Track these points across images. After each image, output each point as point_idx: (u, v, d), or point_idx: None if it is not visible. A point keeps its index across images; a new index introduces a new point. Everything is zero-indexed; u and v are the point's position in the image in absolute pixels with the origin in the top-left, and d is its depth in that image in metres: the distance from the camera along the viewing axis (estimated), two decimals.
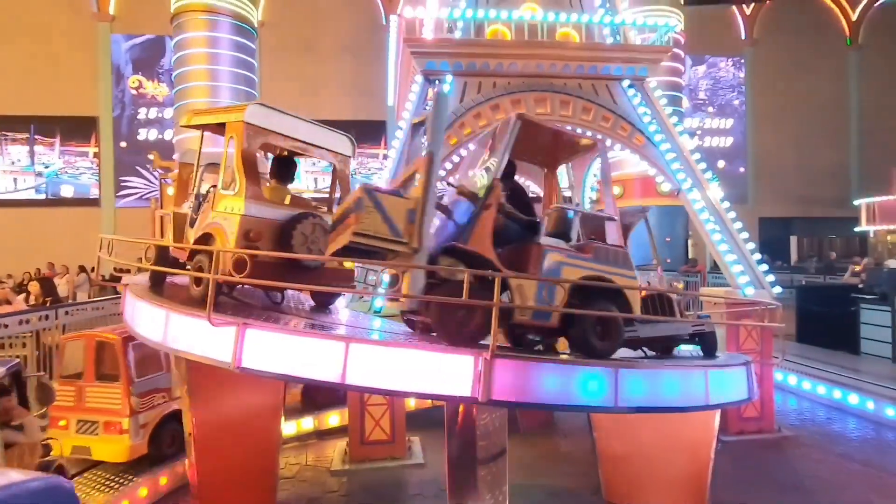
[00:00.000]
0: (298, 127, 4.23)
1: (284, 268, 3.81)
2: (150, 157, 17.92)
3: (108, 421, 5.73)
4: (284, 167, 4.47)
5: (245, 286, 4.04)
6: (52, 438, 5.27)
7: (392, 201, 3.30)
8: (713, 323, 4.58)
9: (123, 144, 23.12)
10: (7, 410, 4.38)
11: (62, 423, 5.91)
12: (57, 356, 6.67)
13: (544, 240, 3.61)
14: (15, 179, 22.50)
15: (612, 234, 3.88)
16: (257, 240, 3.80)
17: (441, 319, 3.36)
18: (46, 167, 22.78)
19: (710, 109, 27.99)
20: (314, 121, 4.36)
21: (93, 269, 15.99)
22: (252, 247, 3.71)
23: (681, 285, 4.87)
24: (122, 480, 5.62)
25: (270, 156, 4.76)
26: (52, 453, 5.00)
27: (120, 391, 5.77)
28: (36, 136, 22.55)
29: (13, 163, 22.57)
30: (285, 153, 4.53)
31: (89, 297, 12.68)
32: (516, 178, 4.19)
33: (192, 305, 3.74)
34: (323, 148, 4.41)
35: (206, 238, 4.00)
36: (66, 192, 22.85)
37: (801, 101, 27.47)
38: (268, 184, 4.44)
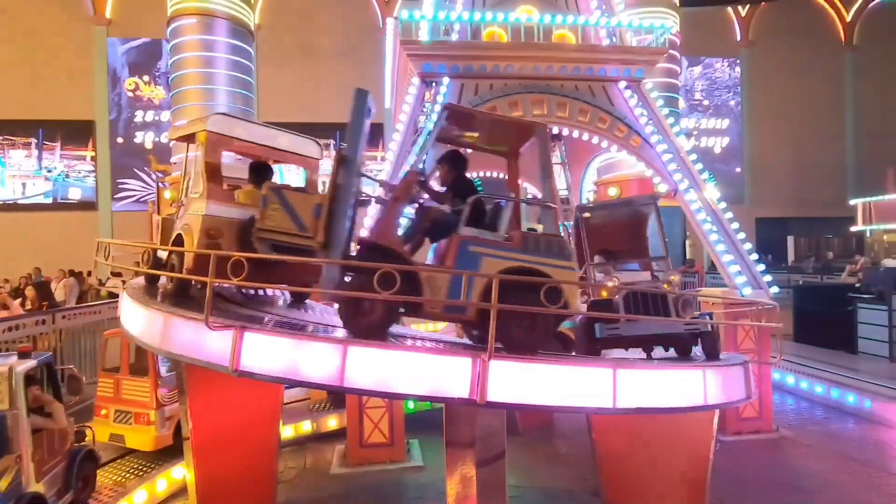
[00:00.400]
0: (263, 133, 4.48)
1: (250, 262, 3.84)
2: (149, 148, 18.01)
3: (138, 412, 6.16)
4: (259, 172, 4.60)
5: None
6: (86, 426, 5.61)
7: (298, 198, 3.53)
8: (708, 322, 4.44)
9: (120, 140, 23.12)
10: (36, 398, 4.67)
11: (104, 412, 6.37)
12: (99, 350, 7.07)
13: (464, 230, 3.48)
14: (24, 184, 22.51)
15: (549, 222, 3.70)
16: (218, 237, 3.98)
17: (344, 310, 3.37)
18: (50, 171, 22.81)
19: (706, 103, 28.06)
20: (279, 127, 4.61)
21: (89, 273, 15.95)
22: (214, 244, 3.89)
23: (675, 277, 4.71)
24: (147, 468, 5.95)
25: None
26: (86, 440, 5.40)
27: (148, 385, 6.14)
28: (42, 141, 22.59)
29: (18, 166, 22.57)
30: (270, 160, 4.72)
31: (78, 302, 12.59)
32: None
33: (180, 306, 3.79)
34: (289, 152, 4.61)
35: (179, 239, 4.25)
36: (74, 195, 22.90)
37: (796, 102, 27.58)
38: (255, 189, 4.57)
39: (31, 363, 4.61)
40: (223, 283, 3.54)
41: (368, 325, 3.33)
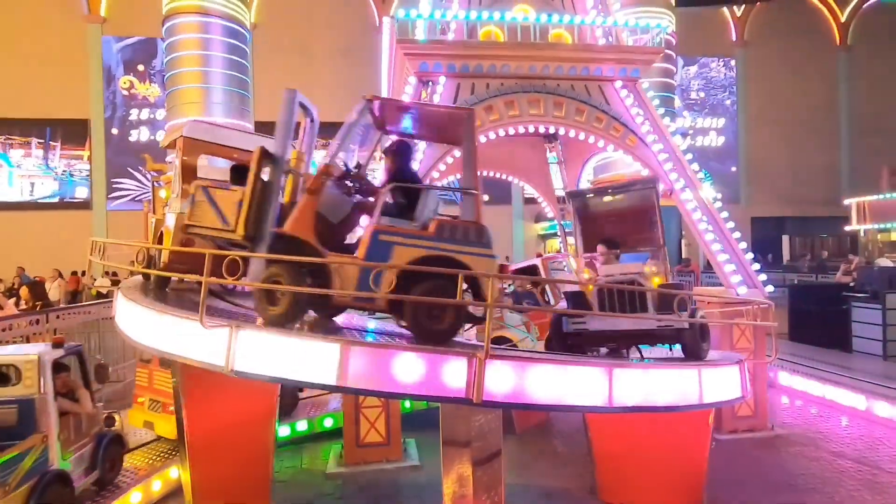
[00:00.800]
0: (236, 137, 4.83)
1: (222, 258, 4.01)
2: (144, 142, 17.98)
3: (165, 402, 6.43)
4: (239, 173, 4.71)
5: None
6: (114, 412, 5.90)
7: (222, 194, 3.65)
8: (683, 320, 4.08)
9: (115, 131, 23.02)
10: (65, 384, 5.14)
11: (141, 399, 6.75)
12: None
13: (382, 220, 3.51)
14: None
15: (469, 208, 3.59)
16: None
17: (256, 302, 3.49)
18: (51, 170, 22.74)
19: (703, 95, 28.04)
20: (251, 131, 4.81)
21: (83, 273, 15.86)
22: (189, 241, 4.08)
23: (654, 269, 4.69)
24: (172, 454, 6.20)
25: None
26: (115, 426, 5.74)
27: None
28: (39, 140, 22.52)
29: (18, 166, 22.47)
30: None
31: (73, 302, 12.52)
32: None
33: (163, 299, 3.90)
34: None
35: (162, 237, 4.66)
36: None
37: (791, 102, 27.71)
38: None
39: (59, 352, 5.05)
40: (217, 282, 3.55)
41: (276, 316, 3.39)
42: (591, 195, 5.40)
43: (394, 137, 4.17)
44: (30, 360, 4.67)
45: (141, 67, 23.23)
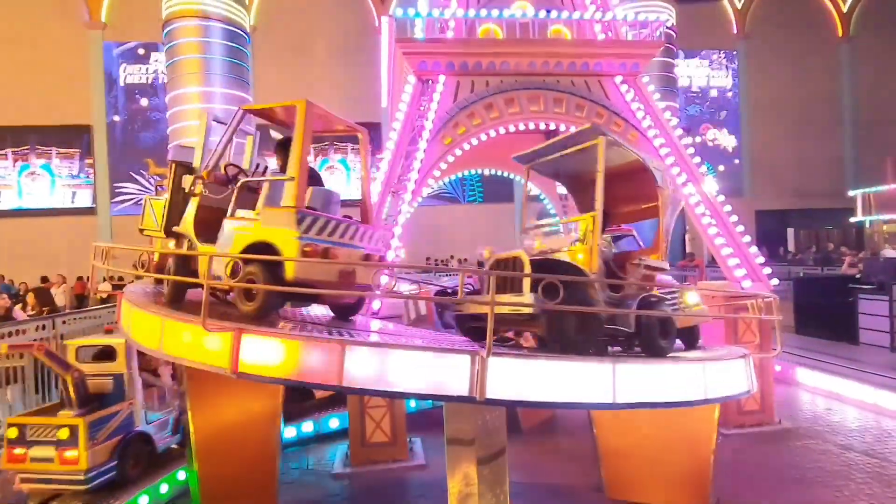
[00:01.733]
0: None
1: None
2: (147, 161, 18.00)
3: None
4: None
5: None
6: None
7: (155, 202, 4.39)
8: (543, 304, 3.35)
9: (117, 120, 23.05)
10: (148, 362, 6.25)
11: None
12: None
13: (237, 212, 3.87)
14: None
15: (287, 193, 3.67)
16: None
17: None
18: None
19: (703, 74, 27.83)
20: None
21: (87, 279, 15.95)
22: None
23: (541, 245, 4.05)
24: None
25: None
26: None
27: None
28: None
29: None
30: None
31: (79, 307, 12.58)
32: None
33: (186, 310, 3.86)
34: None
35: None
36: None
37: (794, 94, 27.53)
38: None
39: None
40: (217, 284, 3.60)
41: (166, 299, 4.06)
42: (538, 158, 4.50)
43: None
44: (120, 343, 5.72)
45: (141, 75, 23.33)
